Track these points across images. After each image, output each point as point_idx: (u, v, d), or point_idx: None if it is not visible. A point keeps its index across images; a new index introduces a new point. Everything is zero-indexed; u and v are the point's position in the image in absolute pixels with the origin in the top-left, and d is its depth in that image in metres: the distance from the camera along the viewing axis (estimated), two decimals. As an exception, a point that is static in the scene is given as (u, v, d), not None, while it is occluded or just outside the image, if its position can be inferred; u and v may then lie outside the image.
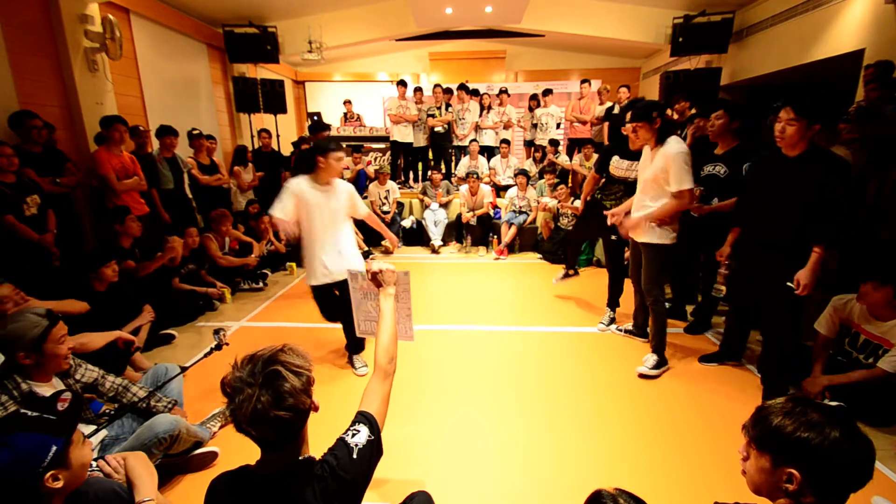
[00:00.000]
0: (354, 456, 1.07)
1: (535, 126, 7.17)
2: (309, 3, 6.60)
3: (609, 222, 2.96)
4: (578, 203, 5.42)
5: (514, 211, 6.03)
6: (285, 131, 7.52)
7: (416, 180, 7.51)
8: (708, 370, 2.89)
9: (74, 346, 1.83)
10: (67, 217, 3.63)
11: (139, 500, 1.32)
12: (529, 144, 7.43)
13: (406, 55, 9.41)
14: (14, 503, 1.02)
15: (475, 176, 6.10)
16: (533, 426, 2.33)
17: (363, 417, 1.17)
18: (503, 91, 7.21)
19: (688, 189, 2.54)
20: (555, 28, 7.11)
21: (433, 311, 3.96)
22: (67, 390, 1.63)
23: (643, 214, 2.70)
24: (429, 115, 6.92)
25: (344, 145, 3.06)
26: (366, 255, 5.77)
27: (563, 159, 6.67)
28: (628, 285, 3.30)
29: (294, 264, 5.25)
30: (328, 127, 3.57)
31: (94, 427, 1.82)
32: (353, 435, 1.11)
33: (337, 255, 2.77)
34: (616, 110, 6.60)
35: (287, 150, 6.88)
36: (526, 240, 6.12)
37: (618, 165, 3.45)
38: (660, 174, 2.60)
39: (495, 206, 6.31)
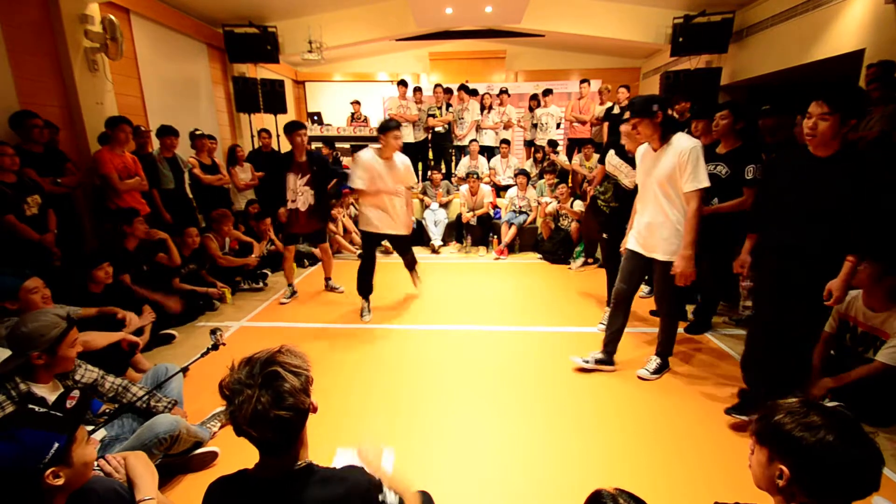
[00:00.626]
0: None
1: (535, 126, 7.17)
2: (309, 3, 6.60)
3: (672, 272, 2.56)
4: (578, 204, 5.44)
5: (514, 211, 6.03)
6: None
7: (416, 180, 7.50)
8: (708, 371, 2.89)
9: (81, 347, 1.84)
10: (68, 217, 3.64)
11: (140, 499, 1.32)
12: (529, 144, 7.43)
13: (406, 55, 9.41)
14: (14, 497, 1.03)
15: (475, 176, 6.10)
16: (533, 426, 2.33)
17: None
18: (503, 91, 7.21)
19: (705, 188, 2.37)
20: (555, 28, 7.11)
21: (433, 311, 3.96)
22: (79, 389, 1.64)
23: (682, 252, 2.45)
24: (429, 115, 6.92)
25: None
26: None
27: (562, 159, 6.67)
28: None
29: (294, 264, 5.24)
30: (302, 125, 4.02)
31: (92, 427, 1.82)
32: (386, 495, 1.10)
33: (386, 215, 3.64)
34: (616, 110, 6.60)
35: (287, 150, 6.87)
36: (526, 240, 6.13)
37: (610, 160, 3.49)
38: (676, 174, 2.40)
39: (495, 206, 6.31)
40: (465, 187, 6.20)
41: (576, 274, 5.13)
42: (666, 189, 2.48)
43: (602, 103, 6.85)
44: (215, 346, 2.14)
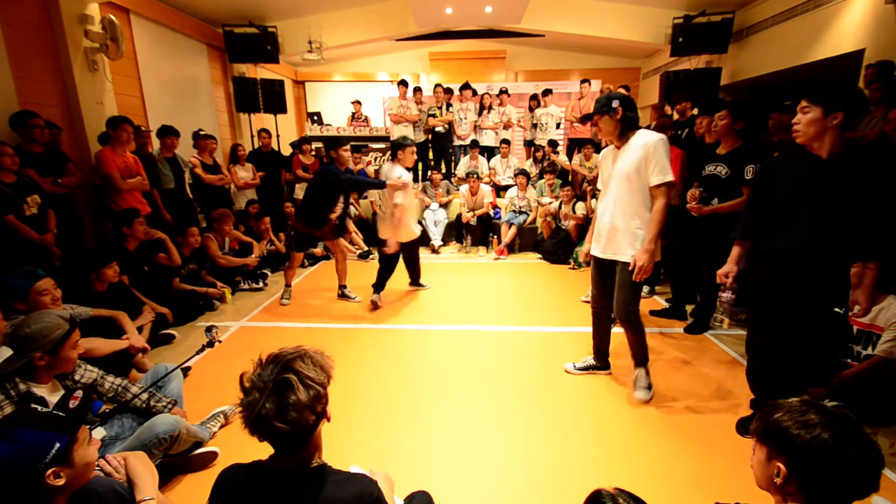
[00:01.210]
0: None
1: (535, 126, 7.17)
2: (309, 3, 6.60)
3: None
4: (581, 207, 5.44)
5: (514, 211, 6.03)
6: (285, 131, 7.52)
7: (416, 180, 7.51)
8: (708, 371, 2.89)
9: (83, 349, 1.84)
10: (68, 217, 3.63)
11: (140, 499, 1.33)
12: (529, 144, 7.43)
13: (406, 55, 9.41)
14: (14, 497, 1.03)
15: (475, 176, 6.10)
16: (533, 426, 2.33)
17: None
18: (503, 91, 7.21)
19: (671, 181, 2.26)
20: (555, 28, 7.12)
21: (433, 311, 3.96)
22: (82, 389, 1.64)
23: (645, 246, 2.29)
24: (429, 115, 6.92)
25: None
26: (366, 254, 5.78)
27: (562, 159, 6.67)
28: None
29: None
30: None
31: (89, 426, 1.82)
32: None
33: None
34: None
35: (287, 150, 6.89)
36: (526, 240, 6.13)
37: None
38: (643, 166, 2.28)
39: (495, 206, 6.31)
40: (465, 187, 6.20)
41: (576, 274, 5.13)
42: (633, 183, 2.32)
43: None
44: (210, 344, 2.14)
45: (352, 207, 6.24)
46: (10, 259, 2.95)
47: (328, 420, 1.08)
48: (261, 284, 4.65)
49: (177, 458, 1.96)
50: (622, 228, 2.39)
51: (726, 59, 6.21)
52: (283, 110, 7.13)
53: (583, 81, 6.96)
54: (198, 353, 2.20)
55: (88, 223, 4.14)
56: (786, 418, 0.97)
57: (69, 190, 3.69)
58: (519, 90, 8.79)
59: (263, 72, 7.49)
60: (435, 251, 6.05)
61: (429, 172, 6.80)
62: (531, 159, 7.00)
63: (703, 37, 5.99)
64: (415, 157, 3.97)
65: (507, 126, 7.13)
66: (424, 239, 6.29)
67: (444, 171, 7.08)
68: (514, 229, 5.89)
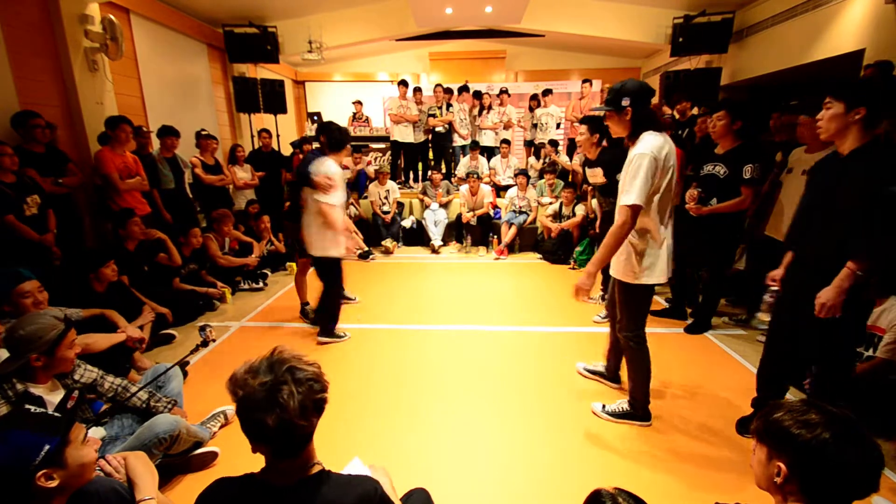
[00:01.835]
0: None
1: (535, 126, 7.18)
2: (309, 3, 6.60)
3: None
4: (581, 208, 5.44)
5: (514, 211, 6.03)
6: (285, 131, 7.52)
7: (416, 180, 7.52)
8: (708, 371, 2.89)
9: (80, 348, 1.84)
10: (68, 217, 3.63)
11: (140, 499, 1.33)
12: (529, 144, 7.44)
13: (406, 55, 9.41)
14: (8, 499, 1.03)
15: (475, 176, 6.10)
16: (533, 426, 2.33)
17: None
18: (503, 91, 7.22)
19: (630, 205, 1.96)
20: (555, 28, 7.11)
21: (433, 311, 3.96)
22: (79, 389, 1.64)
23: (587, 268, 2.11)
24: (430, 115, 6.92)
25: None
26: (366, 255, 5.78)
27: (563, 159, 6.67)
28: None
29: (293, 264, 5.25)
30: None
31: (86, 426, 1.82)
32: None
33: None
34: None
35: (287, 150, 6.89)
36: (526, 240, 6.13)
37: (588, 174, 3.60)
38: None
39: (495, 206, 6.31)
40: (465, 187, 6.20)
41: (576, 274, 5.13)
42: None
43: (603, 103, 6.84)
44: (204, 343, 2.15)
45: (352, 207, 6.25)
46: (10, 259, 2.96)
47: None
48: (261, 284, 4.65)
49: (177, 458, 1.96)
50: None
51: (726, 59, 6.21)
52: (284, 110, 7.13)
53: (584, 81, 6.96)
54: (192, 352, 2.21)
55: (88, 223, 4.14)
56: (786, 418, 0.97)
57: (70, 190, 3.69)
58: (519, 90, 8.79)
59: (263, 72, 7.49)
60: (435, 251, 6.05)
61: (429, 172, 6.80)
62: (534, 157, 6.99)
63: (703, 37, 5.99)
64: (349, 152, 3.32)
65: (507, 126, 7.13)
66: (424, 239, 6.30)
67: (443, 171, 7.08)
68: (514, 229, 5.89)
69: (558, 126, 7.28)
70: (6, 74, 3.54)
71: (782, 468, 0.96)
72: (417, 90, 7.05)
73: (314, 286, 3.50)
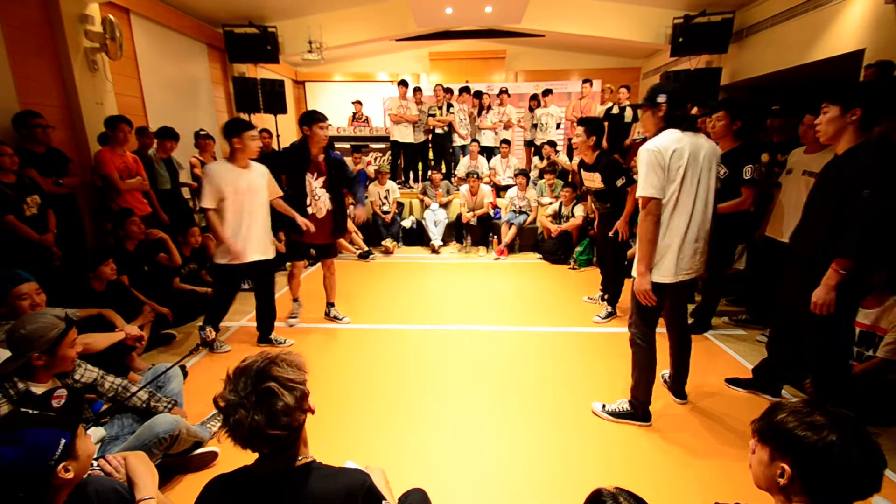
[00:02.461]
0: None
1: (535, 126, 7.18)
2: (309, 3, 6.60)
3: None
4: (580, 209, 5.44)
5: (514, 211, 6.03)
6: (285, 131, 7.52)
7: (416, 180, 7.51)
8: (708, 371, 2.89)
9: (81, 347, 1.84)
10: (69, 217, 3.63)
11: (140, 499, 1.33)
12: (529, 144, 7.44)
13: (406, 55, 9.41)
14: (28, 496, 1.06)
15: (475, 176, 6.10)
16: (533, 426, 2.33)
17: None
18: (503, 91, 7.22)
19: (641, 197, 2.04)
20: (555, 28, 7.12)
21: (433, 311, 3.96)
22: (63, 388, 1.64)
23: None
24: (429, 116, 6.92)
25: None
26: (366, 255, 5.77)
27: (563, 159, 6.68)
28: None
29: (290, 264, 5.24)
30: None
31: (86, 426, 1.83)
32: None
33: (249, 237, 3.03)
34: (615, 111, 6.61)
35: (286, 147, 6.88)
36: (526, 240, 6.13)
37: (585, 177, 3.62)
38: None
39: (495, 206, 6.31)
40: (465, 187, 6.20)
41: (576, 274, 5.13)
42: None
43: (603, 103, 6.85)
44: (205, 343, 2.15)
45: (352, 207, 6.24)
46: (10, 259, 2.96)
47: (312, 412, 1.08)
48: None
49: (177, 458, 1.96)
50: None
51: (726, 59, 6.21)
52: (284, 110, 7.13)
53: (585, 81, 6.97)
54: (191, 352, 2.21)
55: (88, 223, 4.14)
56: (791, 419, 0.97)
57: (70, 190, 3.69)
58: (519, 90, 8.79)
59: (263, 72, 7.49)
60: (435, 251, 6.05)
61: (429, 172, 6.80)
62: (536, 157, 6.99)
63: (704, 37, 5.99)
64: (257, 144, 2.97)
65: (507, 126, 7.13)
66: (424, 239, 6.30)
67: (443, 171, 7.08)
68: (514, 229, 5.89)
69: (558, 126, 7.28)
70: (6, 74, 3.54)
71: (786, 469, 0.95)
72: (417, 90, 7.05)
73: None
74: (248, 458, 1.11)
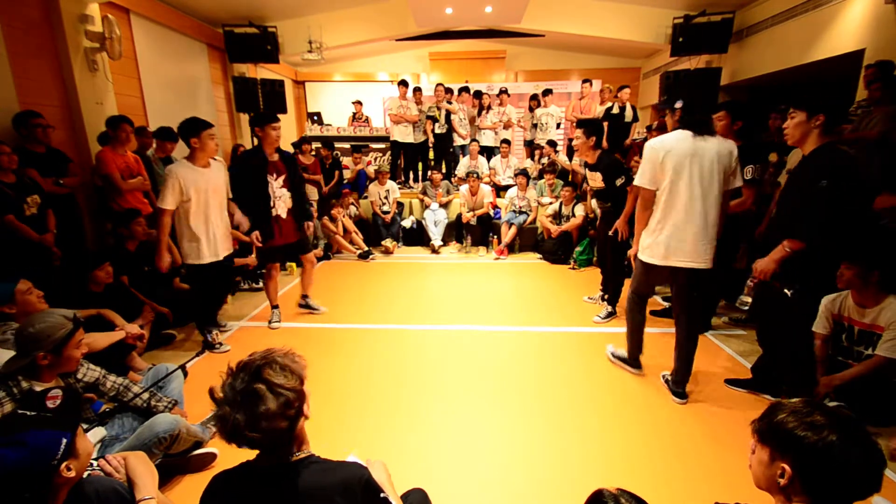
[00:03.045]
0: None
1: (535, 126, 7.18)
2: (309, 3, 6.60)
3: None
4: (580, 209, 5.44)
5: (514, 211, 6.03)
6: (285, 131, 7.45)
7: (416, 180, 7.52)
8: (708, 371, 2.89)
9: (87, 348, 1.85)
10: (68, 217, 3.63)
11: (140, 499, 1.33)
12: (529, 144, 7.44)
13: (406, 55, 9.41)
14: (30, 496, 1.07)
15: (475, 175, 6.10)
16: (533, 426, 2.33)
17: None
18: (503, 91, 7.22)
19: (638, 186, 2.40)
20: (555, 28, 7.12)
21: (433, 311, 3.96)
22: (57, 388, 1.65)
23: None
24: (428, 117, 6.92)
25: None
26: (366, 255, 5.78)
27: (563, 159, 6.68)
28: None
29: (294, 264, 5.25)
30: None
31: (89, 425, 1.83)
32: None
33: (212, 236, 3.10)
34: (615, 110, 6.61)
35: (287, 150, 6.87)
36: (526, 240, 6.13)
37: (589, 177, 3.65)
38: None
39: (495, 206, 6.31)
40: (465, 187, 6.20)
41: (576, 274, 5.13)
42: None
43: (603, 103, 6.85)
44: (210, 345, 2.15)
45: (352, 207, 6.25)
46: (10, 259, 2.96)
47: (306, 418, 1.08)
48: (261, 284, 4.64)
49: (176, 458, 1.96)
50: None
51: (726, 59, 6.21)
52: (284, 110, 7.13)
53: (585, 81, 6.97)
54: (198, 354, 2.21)
55: (88, 223, 4.14)
56: (791, 419, 0.97)
57: (70, 190, 3.69)
58: (519, 90, 8.79)
59: (263, 72, 7.49)
60: (435, 251, 6.05)
61: (429, 172, 6.80)
62: (529, 159, 7.00)
63: (703, 37, 5.99)
64: (215, 143, 2.96)
65: (506, 126, 7.13)
66: (424, 239, 6.30)
67: (444, 171, 7.08)
68: (514, 229, 5.89)
69: (558, 126, 7.28)
70: (6, 74, 3.54)
71: (787, 469, 0.95)
72: (417, 90, 7.05)
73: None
74: (248, 456, 1.11)
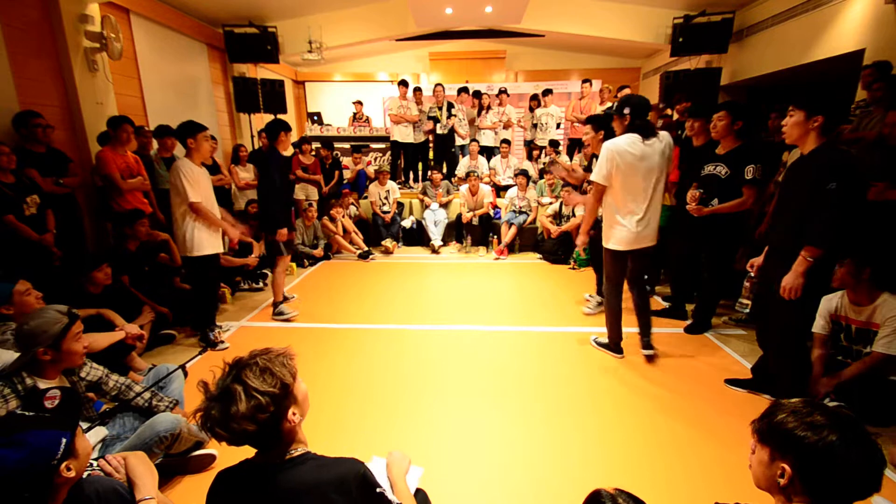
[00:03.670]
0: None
1: (535, 126, 7.18)
2: (309, 3, 6.60)
3: None
4: (579, 210, 5.43)
5: (514, 211, 6.03)
6: (285, 131, 7.53)
7: (416, 180, 7.52)
8: (708, 371, 2.89)
9: (87, 341, 1.85)
10: (68, 217, 3.63)
11: (140, 499, 1.33)
12: (529, 144, 7.44)
13: (406, 55, 9.41)
14: (31, 496, 1.07)
15: (475, 175, 6.10)
16: (533, 426, 2.33)
17: None
18: (502, 91, 7.22)
19: (594, 181, 2.77)
20: (555, 28, 7.12)
21: (433, 311, 3.96)
22: (56, 388, 1.65)
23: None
24: (430, 118, 6.92)
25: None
26: (366, 255, 5.78)
27: (563, 159, 6.67)
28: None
29: (294, 264, 5.25)
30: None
31: (91, 424, 1.83)
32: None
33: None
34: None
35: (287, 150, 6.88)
36: (526, 240, 6.13)
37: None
38: None
39: (495, 206, 6.31)
40: (465, 187, 6.20)
41: (576, 274, 5.13)
42: None
43: (602, 103, 6.85)
44: (213, 344, 2.14)
45: (352, 207, 6.25)
46: (10, 259, 2.96)
47: (291, 421, 1.08)
48: (261, 284, 4.65)
49: (176, 459, 1.96)
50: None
51: (726, 59, 6.21)
52: (284, 110, 7.12)
53: (585, 81, 6.97)
54: (200, 353, 2.21)
55: (88, 223, 4.14)
56: (791, 419, 0.97)
57: (70, 190, 3.69)
58: (519, 90, 8.79)
59: (263, 72, 7.49)
60: (435, 251, 6.05)
61: (429, 172, 6.80)
62: (539, 157, 6.99)
63: (703, 37, 5.99)
64: (209, 145, 3.21)
65: (506, 126, 7.13)
66: (424, 239, 6.30)
67: (445, 171, 7.08)
68: (514, 229, 5.89)
69: (558, 126, 7.28)
70: (6, 74, 3.54)
71: (787, 469, 0.96)
72: (417, 90, 7.05)
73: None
74: (249, 454, 1.11)
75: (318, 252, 5.70)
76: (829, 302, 2.47)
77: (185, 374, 2.67)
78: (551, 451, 2.14)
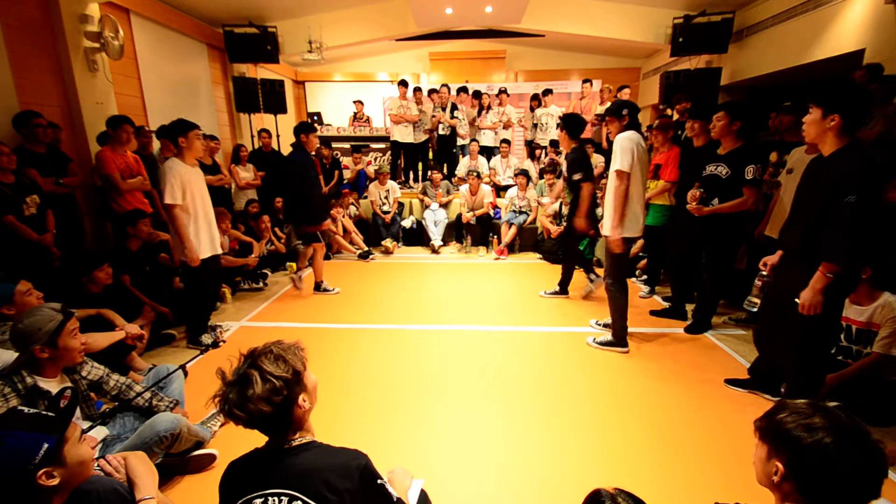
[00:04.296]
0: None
1: (535, 126, 7.18)
2: (309, 3, 6.60)
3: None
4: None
5: (514, 211, 6.03)
6: (285, 131, 7.51)
7: (416, 180, 7.51)
8: (708, 371, 2.89)
9: (84, 337, 1.85)
10: (68, 217, 3.63)
11: (140, 499, 1.33)
12: (529, 144, 7.44)
13: (406, 55, 9.41)
14: (8, 499, 1.03)
15: (475, 175, 6.10)
16: (532, 426, 2.33)
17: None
18: (502, 91, 7.22)
19: (623, 171, 2.86)
20: (555, 28, 7.12)
21: (433, 311, 3.96)
22: (70, 388, 1.65)
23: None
24: (432, 117, 6.91)
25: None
26: (366, 255, 5.78)
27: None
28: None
29: (294, 264, 5.25)
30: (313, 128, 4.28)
31: (89, 424, 1.83)
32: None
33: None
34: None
35: (287, 150, 6.87)
36: (526, 240, 6.13)
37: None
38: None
39: (495, 206, 6.31)
40: (465, 187, 6.20)
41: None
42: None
43: (602, 103, 6.85)
44: (215, 344, 2.14)
45: (352, 207, 6.24)
46: (10, 259, 2.96)
47: (302, 407, 1.15)
48: (261, 284, 4.65)
49: (177, 458, 1.96)
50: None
51: (726, 59, 6.21)
52: (284, 110, 7.13)
53: (585, 81, 6.97)
54: (202, 352, 2.20)
55: (88, 223, 4.14)
56: (789, 419, 0.97)
57: (70, 190, 3.69)
58: (519, 90, 8.79)
59: (263, 72, 7.49)
60: (435, 251, 6.05)
61: (429, 172, 6.80)
62: (528, 160, 7.00)
63: (703, 37, 5.99)
64: (201, 143, 3.13)
65: (506, 126, 7.13)
66: (424, 239, 6.30)
67: (444, 171, 7.08)
68: (514, 229, 5.89)
69: (558, 126, 7.27)
70: (6, 74, 3.54)
71: (780, 467, 0.96)
72: (417, 90, 7.06)
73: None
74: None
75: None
76: None
77: (186, 374, 2.67)
78: (551, 451, 2.14)
